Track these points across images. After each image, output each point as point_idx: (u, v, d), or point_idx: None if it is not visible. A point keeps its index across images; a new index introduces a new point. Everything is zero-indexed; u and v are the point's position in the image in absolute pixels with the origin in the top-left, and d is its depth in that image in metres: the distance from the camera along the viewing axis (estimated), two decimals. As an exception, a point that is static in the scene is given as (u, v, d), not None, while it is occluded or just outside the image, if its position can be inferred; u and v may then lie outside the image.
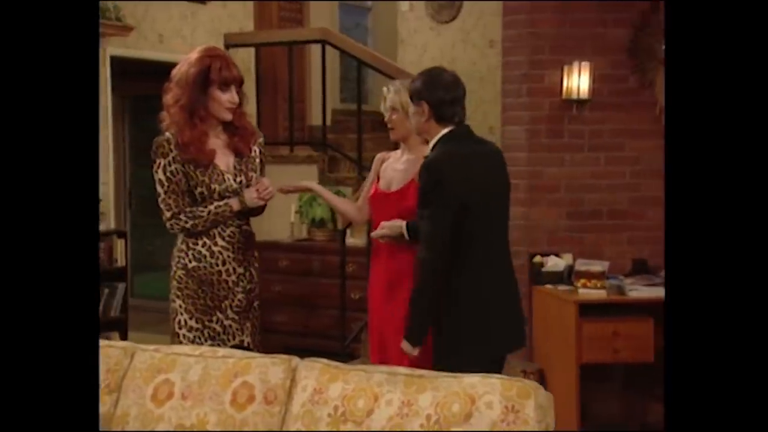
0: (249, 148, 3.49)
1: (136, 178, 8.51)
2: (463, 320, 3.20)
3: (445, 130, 3.24)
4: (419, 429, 2.45)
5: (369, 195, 3.70)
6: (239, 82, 3.40)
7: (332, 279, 5.98)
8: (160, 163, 3.34)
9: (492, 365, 3.13)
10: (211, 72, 3.32)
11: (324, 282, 6.09)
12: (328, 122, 7.12)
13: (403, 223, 3.40)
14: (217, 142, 3.41)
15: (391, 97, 3.56)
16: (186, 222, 3.35)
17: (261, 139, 3.57)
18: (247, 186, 3.45)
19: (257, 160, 3.53)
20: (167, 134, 3.35)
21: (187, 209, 3.36)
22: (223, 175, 3.39)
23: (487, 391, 2.45)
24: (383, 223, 3.46)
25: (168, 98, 3.38)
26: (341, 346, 5.63)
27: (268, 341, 3.49)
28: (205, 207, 3.37)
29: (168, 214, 3.35)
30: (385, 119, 3.60)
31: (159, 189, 3.35)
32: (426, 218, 3.17)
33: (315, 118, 7.59)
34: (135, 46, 6.40)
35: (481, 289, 3.23)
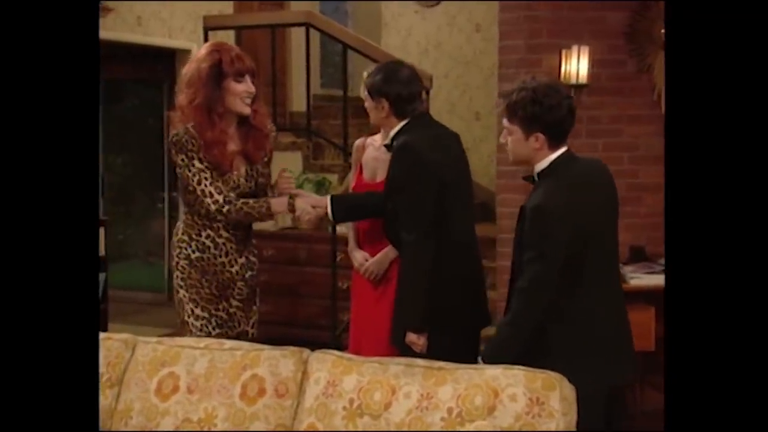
0: (260, 156, 3.40)
1: (107, 165, 8.32)
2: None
3: (404, 122, 3.27)
4: (440, 422, 2.40)
5: (352, 185, 3.64)
6: (253, 73, 3.30)
7: (319, 268, 5.87)
8: (192, 156, 3.23)
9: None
10: (224, 64, 3.24)
11: (310, 271, 5.99)
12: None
13: (327, 199, 3.37)
14: (232, 147, 3.32)
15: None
16: (223, 206, 3.26)
17: (273, 133, 3.48)
18: (256, 190, 3.38)
19: (269, 167, 3.46)
20: (188, 128, 3.25)
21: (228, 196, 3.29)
22: (237, 180, 3.32)
23: (510, 384, 2.41)
24: (299, 200, 3.35)
25: (181, 99, 3.29)
26: (330, 337, 5.53)
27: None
28: (246, 200, 3.30)
29: (219, 199, 3.24)
30: (366, 105, 3.52)
31: (199, 176, 3.24)
32: (409, 199, 3.16)
33: (296, 104, 7.47)
34: (113, 28, 6.27)
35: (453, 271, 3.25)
